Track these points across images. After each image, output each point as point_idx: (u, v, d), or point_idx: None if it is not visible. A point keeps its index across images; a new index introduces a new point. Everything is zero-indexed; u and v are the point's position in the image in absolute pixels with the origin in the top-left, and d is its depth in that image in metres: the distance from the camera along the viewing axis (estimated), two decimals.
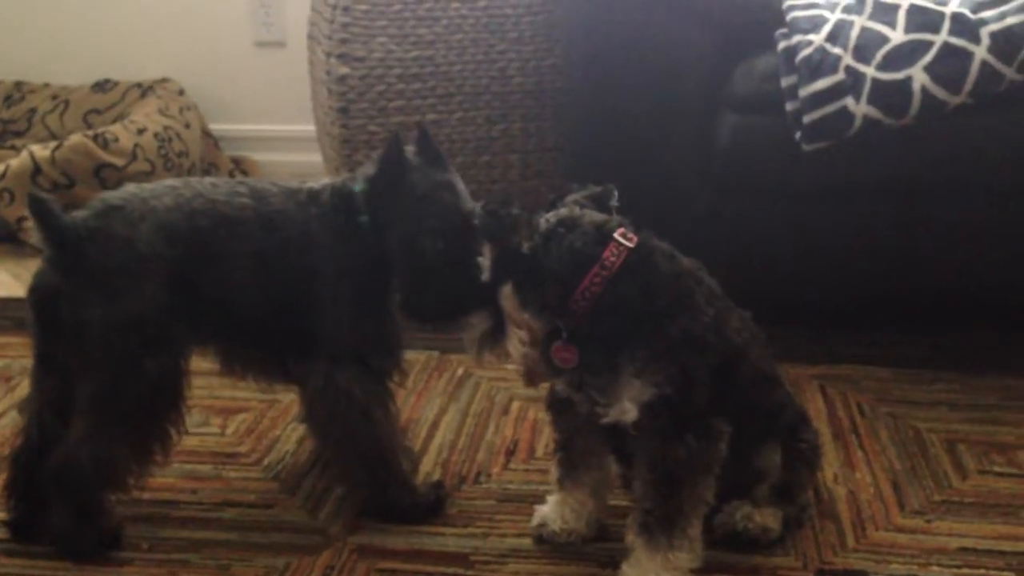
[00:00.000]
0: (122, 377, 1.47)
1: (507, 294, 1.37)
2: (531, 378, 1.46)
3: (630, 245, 1.34)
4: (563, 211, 1.38)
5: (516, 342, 1.39)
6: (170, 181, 1.58)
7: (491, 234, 1.35)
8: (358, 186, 1.56)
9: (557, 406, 1.49)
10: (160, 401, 1.51)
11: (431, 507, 1.60)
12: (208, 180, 1.59)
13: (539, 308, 1.36)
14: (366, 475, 1.58)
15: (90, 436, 1.46)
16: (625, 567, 1.39)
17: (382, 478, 1.58)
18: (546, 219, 1.37)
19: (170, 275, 1.48)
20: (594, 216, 1.38)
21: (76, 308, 1.46)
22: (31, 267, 2.65)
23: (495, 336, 1.41)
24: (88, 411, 1.48)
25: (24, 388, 1.98)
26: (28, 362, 2.08)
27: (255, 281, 1.53)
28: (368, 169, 1.57)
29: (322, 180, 1.62)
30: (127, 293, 1.46)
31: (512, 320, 1.38)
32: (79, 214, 1.50)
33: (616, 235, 1.35)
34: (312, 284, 1.54)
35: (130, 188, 1.55)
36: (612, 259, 1.33)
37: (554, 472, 1.53)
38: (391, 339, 1.60)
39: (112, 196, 1.53)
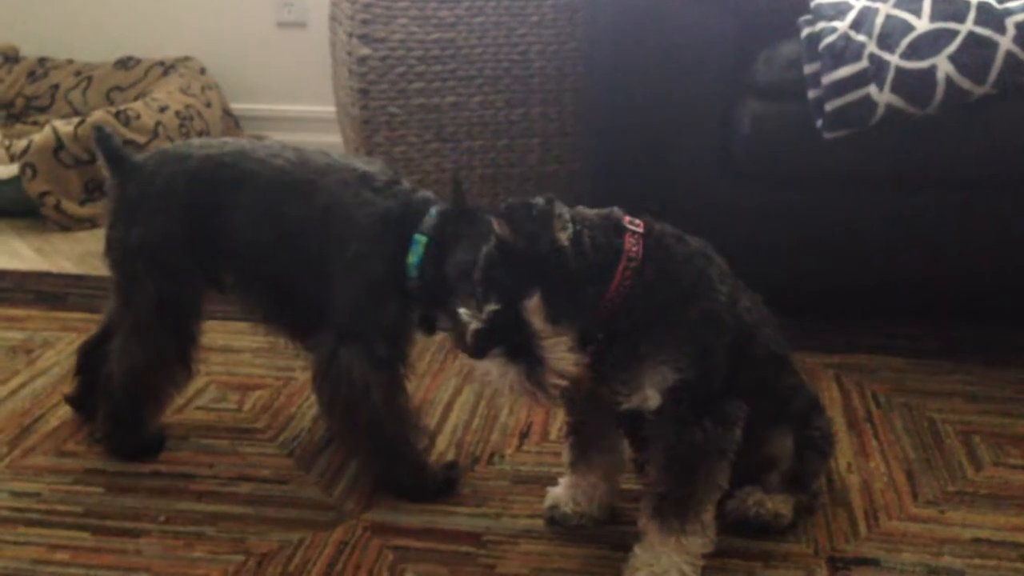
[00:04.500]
0: (129, 296, 1.63)
1: (535, 307, 1.24)
2: (578, 391, 1.34)
3: (642, 232, 1.33)
4: (558, 209, 1.28)
5: (565, 354, 1.26)
6: (230, 139, 1.73)
7: (525, 233, 1.24)
8: (435, 209, 1.54)
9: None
10: (165, 322, 1.62)
11: (441, 487, 1.60)
12: (263, 142, 1.70)
13: (575, 314, 1.27)
14: (370, 452, 1.60)
15: (120, 350, 1.65)
16: (637, 550, 1.39)
17: (387, 456, 1.59)
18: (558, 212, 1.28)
19: (187, 213, 1.60)
20: (594, 210, 1.35)
21: (109, 231, 1.65)
22: (53, 241, 2.71)
23: (531, 366, 1.25)
24: (117, 326, 1.68)
25: (45, 361, 2.02)
26: (50, 335, 2.13)
27: (268, 238, 1.58)
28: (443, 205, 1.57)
29: (391, 174, 1.60)
30: (142, 221, 1.61)
31: (543, 334, 1.26)
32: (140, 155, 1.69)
33: (626, 224, 1.33)
34: (332, 257, 1.54)
35: (193, 140, 1.72)
36: (635, 249, 1.30)
37: (566, 455, 1.53)
38: (397, 331, 1.59)
39: (168, 145, 1.71)
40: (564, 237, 1.25)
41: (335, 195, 1.55)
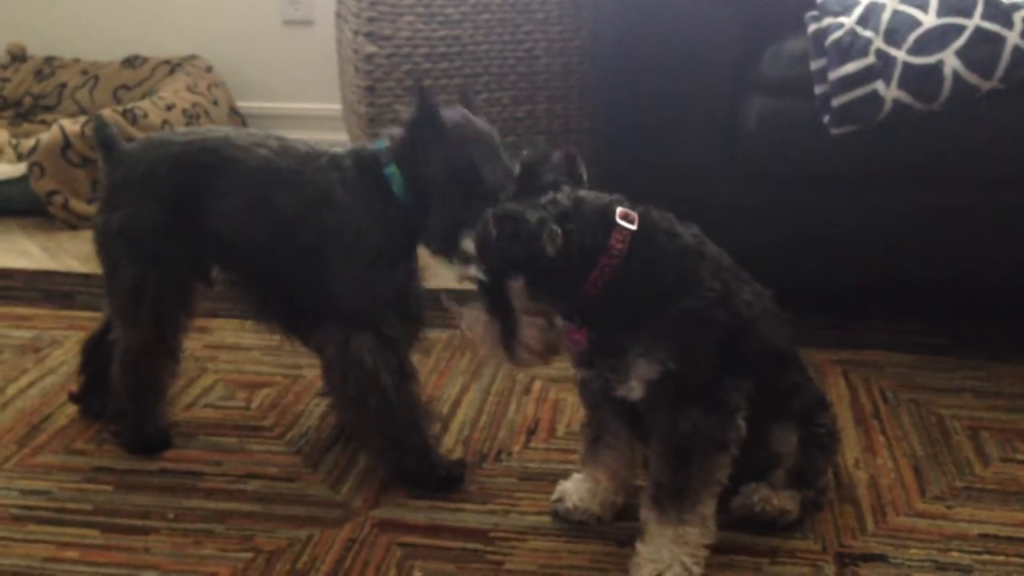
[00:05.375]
0: (112, 282, 1.65)
1: (518, 290, 1.34)
2: (547, 356, 1.43)
3: (633, 228, 1.34)
4: (560, 197, 1.34)
5: (536, 333, 1.37)
6: (215, 126, 1.73)
7: (514, 244, 1.30)
8: (381, 143, 1.57)
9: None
10: (143, 307, 1.62)
11: (446, 478, 1.61)
12: (249, 130, 1.70)
13: (554, 301, 1.36)
14: (379, 439, 1.61)
15: (117, 339, 1.67)
16: (639, 545, 1.39)
17: (396, 443, 1.60)
18: (547, 205, 1.33)
19: (168, 198, 1.60)
20: (594, 200, 1.36)
21: (96, 217, 1.67)
22: (61, 240, 2.72)
23: (506, 332, 1.37)
24: (110, 310, 1.69)
25: (53, 359, 2.02)
26: (57, 333, 2.14)
27: (259, 230, 1.59)
28: (391, 131, 1.58)
29: (342, 148, 1.63)
30: (123, 206, 1.62)
31: (524, 311, 1.36)
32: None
33: (618, 219, 1.34)
34: (328, 244, 1.55)
35: (179, 128, 1.73)
36: (619, 246, 1.33)
37: (581, 448, 1.55)
38: (408, 307, 1.60)
39: (156, 132, 1.72)
40: (552, 250, 1.28)
41: (321, 183, 1.56)
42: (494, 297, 1.36)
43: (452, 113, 1.55)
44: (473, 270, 1.35)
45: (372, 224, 1.55)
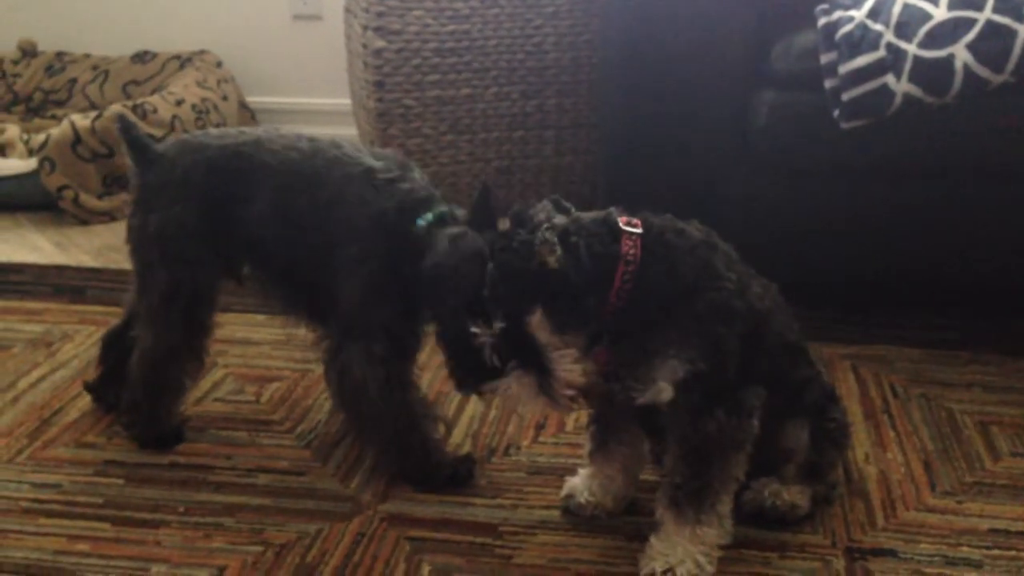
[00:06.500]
0: (145, 283, 1.66)
1: (538, 323, 1.30)
2: (590, 396, 1.39)
3: (640, 232, 1.33)
4: (557, 220, 1.32)
5: (572, 365, 1.32)
6: (249, 128, 1.74)
7: (510, 263, 1.28)
8: (422, 220, 1.51)
9: None
10: (176, 310, 1.64)
11: (452, 476, 1.61)
12: (282, 132, 1.69)
13: (580, 323, 1.32)
14: (377, 440, 1.62)
15: (139, 338, 1.68)
16: (654, 540, 1.39)
17: (394, 445, 1.60)
18: (547, 229, 1.29)
19: (204, 202, 1.62)
20: (591, 215, 1.35)
21: (129, 218, 1.68)
22: (71, 235, 2.73)
23: (541, 377, 1.32)
24: (137, 314, 1.69)
25: (64, 353, 2.03)
26: (68, 328, 2.14)
27: (280, 230, 1.60)
28: (439, 211, 1.52)
29: (396, 170, 1.57)
30: (159, 209, 1.63)
31: (552, 346, 1.31)
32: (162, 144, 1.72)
33: (623, 226, 1.33)
34: (334, 250, 1.55)
35: (212, 130, 1.76)
36: (633, 252, 1.31)
37: (587, 444, 1.54)
38: (398, 329, 1.57)
39: (189, 134, 1.72)
40: (553, 260, 1.26)
41: (338, 191, 1.56)
42: (518, 344, 1.31)
43: (437, 247, 1.41)
44: (490, 323, 1.30)
45: (377, 260, 1.53)
